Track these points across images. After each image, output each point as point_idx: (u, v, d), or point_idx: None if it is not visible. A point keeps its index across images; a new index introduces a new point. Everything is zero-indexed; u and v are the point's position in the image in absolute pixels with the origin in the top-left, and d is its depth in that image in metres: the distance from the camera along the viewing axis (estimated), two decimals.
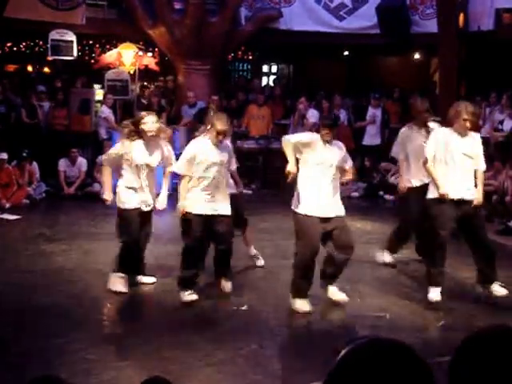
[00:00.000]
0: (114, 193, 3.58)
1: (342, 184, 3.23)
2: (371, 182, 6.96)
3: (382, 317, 3.27)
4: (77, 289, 3.64)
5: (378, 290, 3.73)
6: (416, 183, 3.90)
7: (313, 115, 7.33)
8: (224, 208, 3.31)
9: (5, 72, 8.34)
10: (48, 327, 3.04)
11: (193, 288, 3.35)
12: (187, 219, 3.29)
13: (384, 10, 7.62)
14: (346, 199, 3.67)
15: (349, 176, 3.23)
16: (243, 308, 3.35)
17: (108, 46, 8.43)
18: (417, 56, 9.06)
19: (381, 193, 6.87)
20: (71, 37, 7.51)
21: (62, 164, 6.53)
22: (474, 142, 3.29)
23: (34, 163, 6.43)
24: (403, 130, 4.08)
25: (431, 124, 4.03)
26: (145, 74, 8.29)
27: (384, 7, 7.63)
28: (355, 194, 6.68)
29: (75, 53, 7.61)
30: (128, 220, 3.46)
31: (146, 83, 8.35)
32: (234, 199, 3.56)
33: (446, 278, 3.82)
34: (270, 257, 4.36)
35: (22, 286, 3.67)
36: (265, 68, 10.08)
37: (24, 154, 6.31)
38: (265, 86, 9.13)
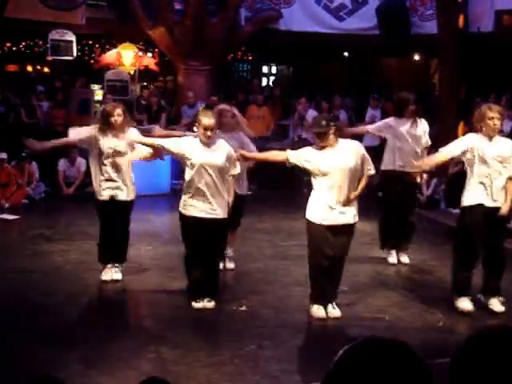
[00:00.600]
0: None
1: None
2: (371, 182, 6.95)
3: (380, 318, 3.27)
4: (75, 289, 3.63)
5: (376, 291, 3.72)
6: (391, 167, 4.04)
7: (312, 116, 7.33)
8: (220, 211, 3.21)
9: (4, 72, 8.34)
10: (46, 327, 3.03)
11: (201, 294, 3.28)
12: (184, 223, 3.24)
13: (384, 11, 7.63)
14: None
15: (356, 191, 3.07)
16: (242, 309, 3.35)
17: (108, 46, 8.44)
18: (416, 57, 9.07)
19: (380, 194, 6.86)
20: (71, 37, 7.51)
21: (62, 164, 6.52)
22: (504, 146, 3.19)
23: (34, 163, 6.42)
24: (391, 118, 4.13)
25: (422, 120, 4.07)
26: (144, 74, 8.29)
27: (384, 8, 7.64)
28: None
29: (75, 53, 7.61)
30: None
31: (145, 83, 8.35)
32: (240, 201, 3.53)
33: (444, 280, 3.83)
34: (270, 258, 4.35)
35: (20, 286, 3.66)
36: (265, 69, 10.09)
37: (23, 154, 6.31)
38: (264, 86, 9.14)
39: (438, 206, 6.11)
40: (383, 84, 8.56)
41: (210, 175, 3.16)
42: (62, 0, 7.28)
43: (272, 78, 9.97)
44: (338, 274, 3.21)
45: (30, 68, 8.83)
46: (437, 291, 3.73)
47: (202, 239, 3.19)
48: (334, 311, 3.20)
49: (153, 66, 8.17)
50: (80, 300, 3.50)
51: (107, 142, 3.55)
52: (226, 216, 3.25)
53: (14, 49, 8.49)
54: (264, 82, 9.63)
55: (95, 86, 8.02)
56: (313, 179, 3.10)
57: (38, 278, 3.81)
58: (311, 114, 7.36)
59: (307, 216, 3.12)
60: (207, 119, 3.14)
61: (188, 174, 3.20)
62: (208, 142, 3.18)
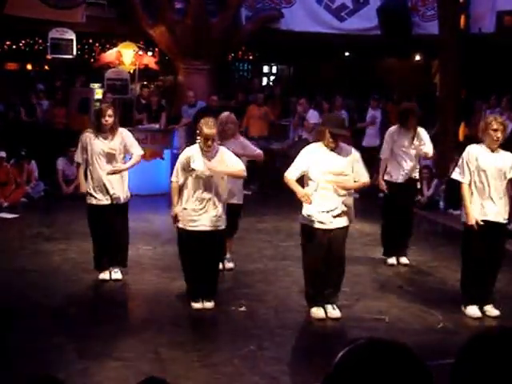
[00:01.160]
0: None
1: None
2: (372, 183, 6.94)
3: (380, 319, 3.25)
4: (74, 288, 3.62)
5: (376, 292, 3.71)
6: (398, 180, 4.08)
7: (313, 116, 7.32)
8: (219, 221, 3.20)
9: (4, 70, 8.32)
10: (44, 327, 3.02)
11: (199, 297, 3.27)
12: (181, 229, 3.22)
13: (385, 12, 7.61)
14: None
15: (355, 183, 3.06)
16: (242, 309, 3.33)
17: (108, 45, 8.42)
18: (417, 58, 9.06)
19: (380, 194, 6.86)
20: (71, 35, 7.49)
21: (61, 163, 6.50)
22: (505, 159, 3.17)
23: (33, 162, 6.40)
24: (392, 128, 4.13)
25: (421, 130, 4.07)
26: (145, 73, 8.27)
27: (385, 8, 7.62)
28: (355, 195, 6.67)
29: (75, 51, 7.59)
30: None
31: (145, 82, 8.33)
32: (236, 209, 3.52)
33: (444, 282, 3.82)
34: (269, 258, 4.34)
35: (18, 285, 3.64)
36: (265, 68, 10.07)
37: (22, 153, 6.28)
38: (265, 86, 9.12)
39: (439, 207, 6.10)
40: (384, 84, 8.55)
41: (208, 183, 3.14)
42: None
43: (272, 78, 9.96)
44: (338, 276, 3.20)
45: (29, 66, 8.80)
46: (437, 292, 3.72)
47: (200, 246, 3.18)
48: (334, 312, 3.19)
49: (153, 65, 8.16)
50: (79, 300, 3.49)
51: (99, 144, 3.56)
52: (223, 226, 3.25)
53: (14, 47, 8.47)
54: (264, 81, 9.61)
55: (95, 85, 8.00)
56: (309, 182, 3.08)
57: (36, 277, 3.79)
58: (311, 114, 7.35)
59: (302, 220, 3.11)
60: (208, 129, 3.11)
61: (186, 181, 3.17)
62: (208, 151, 3.15)
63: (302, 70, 9.60)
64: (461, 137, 6.71)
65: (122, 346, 2.84)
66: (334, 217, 3.06)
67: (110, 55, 8.07)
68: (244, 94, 8.03)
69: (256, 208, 5.75)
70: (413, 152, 4.07)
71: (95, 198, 3.59)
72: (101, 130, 3.54)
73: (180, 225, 3.20)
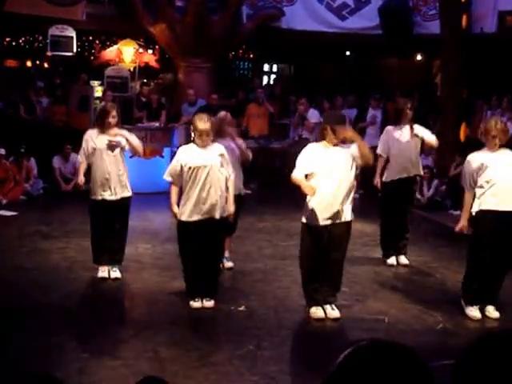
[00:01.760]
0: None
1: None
2: (371, 183, 6.94)
3: (380, 320, 3.24)
4: (73, 286, 3.61)
5: (376, 292, 3.70)
6: (393, 178, 4.07)
7: (313, 115, 7.30)
8: (218, 212, 3.19)
9: (4, 67, 8.28)
10: (42, 325, 3.01)
11: (199, 295, 3.27)
12: (180, 226, 3.21)
13: (386, 11, 7.59)
14: None
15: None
16: (241, 308, 3.32)
17: (108, 43, 8.39)
18: (419, 57, 9.04)
19: (380, 194, 6.84)
20: (71, 33, 7.46)
21: (56, 161, 6.47)
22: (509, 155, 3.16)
23: (32, 159, 6.37)
24: (388, 127, 4.10)
25: (416, 126, 4.03)
26: (145, 71, 8.24)
27: (386, 8, 7.60)
28: (355, 195, 6.65)
29: (75, 49, 7.56)
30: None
31: (145, 80, 8.30)
32: (236, 201, 3.50)
33: (444, 282, 3.81)
34: (269, 257, 4.33)
35: (17, 283, 3.63)
36: (265, 67, 10.05)
37: (22, 150, 6.26)
38: (265, 84, 9.10)
39: (439, 208, 6.09)
40: (385, 84, 8.53)
41: (205, 176, 3.13)
42: None
43: (273, 77, 9.94)
44: (338, 276, 3.18)
45: (29, 63, 8.77)
46: (437, 293, 3.71)
47: (200, 242, 3.16)
48: (334, 312, 3.18)
49: (153, 63, 8.13)
50: (78, 298, 3.48)
51: (103, 139, 3.59)
52: (224, 214, 3.23)
53: (14, 44, 8.44)
54: (265, 80, 9.59)
55: (95, 83, 7.98)
56: (311, 180, 3.07)
57: (35, 275, 3.78)
58: (312, 113, 7.33)
59: (304, 218, 3.09)
60: (202, 124, 3.11)
61: (185, 177, 3.16)
62: (204, 146, 3.15)
63: (302, 69, 9.58)
64: (462, 137, 6.70)
65: (120, 345, 2.83)
66: (337, 213, 3.05)
67: (110, 53, 8.04)
68: (244, 93, 8.01)
69: (256, 207, 5.73)
70: (412, 150, 4.03)
71: (98, 193, 3.61)
72: (104, 130, 3.57)
73: (182, 218, 3.17)
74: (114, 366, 2.59)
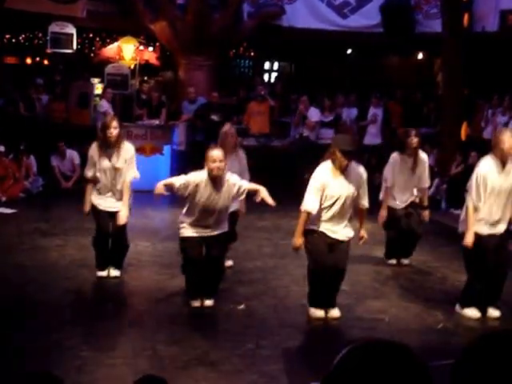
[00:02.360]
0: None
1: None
2: (373, 182, 6.92)
3: (380, 319, 3.23)
4: (72, 284, 3.60)
5: (376, 292, 3.69)
6: (397, 206, 4.06)
7: (314, 114, 7.28)
8: (221, 228, 3.21)
9: (3, 64, 8.26)
10: (41, 323, 3.00)
11: (198, 296, 3.27)
12: (182, 241, 3.20)
13: (388, 9, 7.57)
14: None
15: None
16: (240, 307, 3.31)
17: (108, 40, 8.37)
18: (420, 56, 9.01)
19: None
20: (71, 30, 7.44)
21: (54, 160, 6.45)
22: None
23: (32, 157, 6.35)
24: (394, 155, 4.07)
25: (422, 154, 4.02)
26: (145, 68, 8.22)
27: (388, 6, 7.58)
28: None
29: (75, 46, 7.53)
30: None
31: (145, 78, 8.28)
32: (234, 216, 3.52)
33: (444, 282, 3.80)
34: (269, 256, 4.32)
35: (16, 281, 3.62)
36: (266, 65, 10.03)
37: (21, 148, 6.24)
38: (266, 82, 9.08)
39: (440, 207, 6.07)
40: (386, 82, 8.51)
41: (214, 212, 3.14)
42: None
43: (274, 75, 9.91)
44: (339, 281, 3.20)
45: (29, 60, 8.74)
46: (437, 293, 3.70)
47: (204, 255, 3.18)
48: (334, 311, 3.17)
49: (153, 61, 8.10)
50: (76, 296, 3.47)
51: (105, 161, 3.58)
52: (226, 229, 3.25)
53: (14, 41, 8.41)
54: (266, 78, 9.56)
55: (95, 80, 7.95)
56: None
57: (34, 273, 3.76)
58: (313, 112, 7.31)
59: (310, 226, 3.07)
60: (215, 151, 3.11)
61: (191, 207, 3.14)
62: (217, 179, 3.09)
63: (303, 67, 9.55)
64: (463, 136, 6.68)
65: (120, 343, 2.82)
66: (340, 231, 3.10)
67: (110, 50, 8.01)
68: (245, 91, 7.99)
69: (255, 206, 5.71)
70: (409, 180, 4.01)
71: (99, 203, 3.61)
72: (107, 143, 3.54)
73: (184, 234, 3.17)
74: (113, 364, 2.58)
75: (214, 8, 7.60)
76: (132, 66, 7.90)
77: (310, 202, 3.02)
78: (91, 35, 8.44)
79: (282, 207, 5.75)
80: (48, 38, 7.45)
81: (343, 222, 3.09)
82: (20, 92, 7.16)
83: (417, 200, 4.11)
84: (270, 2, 8.04)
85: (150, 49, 8.27)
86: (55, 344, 2.74)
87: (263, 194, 3.23)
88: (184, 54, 7.72)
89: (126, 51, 7.87)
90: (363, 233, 3.21)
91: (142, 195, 4.74)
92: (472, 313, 3.26)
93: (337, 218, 3.06)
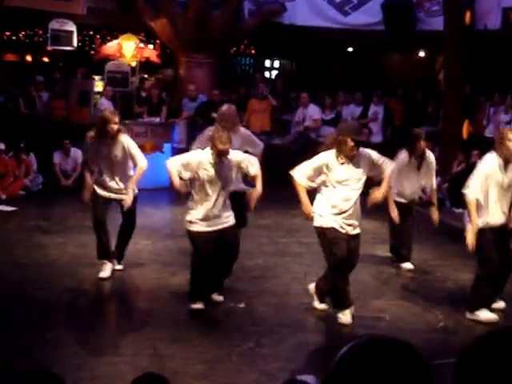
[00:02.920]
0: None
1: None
2: (372, 181, 6.91)
3: (381, 318, 3.23)
4: (72, 282, 3.59)
5: (377, 290, 3.68)
6: (400, 200, 4.05)
7: (314, 111, 7.26)
8: (230, 219, 3.20)
9: (3, 61, 8.24)
10: (41, 320, 2.99)
11: (200, 300, 3.23)
12: (193, 236, 3.17)
13: (389, 7, 7.54)
14: None
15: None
16: (241, 306, 3.31)
17: (109, 37, 8.34)
18: (422, 54, 8.98)
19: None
20: (71, 27, 7.41)
21: (57, 157, 6.43)
22: None
23: (32, 154, 6.34)
24: (403, 156, 4.05)
25: (430, 155, 4.04)
26: (145, 66, 8.19)
27: (390, 4, 7.55)
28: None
29: (75, 43, 7.51)
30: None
31: (146, 75, 8.25)
32: (242, 198, 3.49)
33: (446, 280, 3.79)
34: (269, 254, 4.31)
35: (16, 279, 3.62)
36: (267, 63, 10.00)
37: (21, 145, 6.23)
38: (267, 79, 9.05)
39: (441, 205, 6.05)
40: (387, 80, 8.48)
41: (218, 189, 3.12)
42: None
43: (275, 73, 9.88)
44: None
45: (29, 58, 8.72)
46: (438, 291, 3.69)
47: (218, 250, 3.15)
48: (345, 317, 3.09)
49: (154, 58, 8.07)
50: (76, 294, 3.46)
51: (103, 151, 3.60)
52: (234, 222, 3.23)
53: (14, 38, 8.38)
54: (266, 76, 9.53)
55: (95, 78, 7.93)
56: (325, 188, 3.02)
57: (33, 270, 3.76)
58: (313, 109, 7.28)
59: (321, 223, 3.01)
60: (222, 145, 3.07)
61: (196, 188, 3.13)
62: (222, 159, 3.10)
63: (304, 65, 9.52)
64: (464, 134, 6.65)
65: (119, 341, 2.82)
66: (350, 225, 3.05)
67: (110, 47, 7.98)
68: (246, 89, 7.97)
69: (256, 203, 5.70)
70: (419, 180, 4.01)
71: (99, 190, 3.66)
72: (104, 137, 3.56)
73: (194, 228, 3.14)
74: (113, 363, 2.58)
75: (215, 5, 7.57)
76: (133, 64, 7.87)
77: (300, 175, 3.00)
78: (91, 32, 8.41)
79: (282, 205, 5.78)
80: (48, 35, 7.42)
81: (354, 214, 3.01)
82: (20, 89, 7.14)
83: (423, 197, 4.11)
84: None
85: (151, 46, 8.24)
86: (55, 342, 2.74)
87: (253, 195, 3.24)
88: (184, 51, 7.69)
89: (127, 49, 7.84)
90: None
91: (142, 193, 4.72)
92: (488, 316, 3.18)
93: (348, 209, 2.98)
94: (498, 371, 0.69)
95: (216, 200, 3.11)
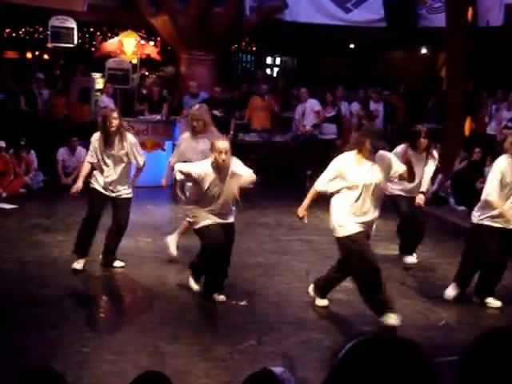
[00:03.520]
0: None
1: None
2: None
3: None
4: (72, 280, 3.59)
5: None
6: (402, 194, 4.04)
7: (315, 103, 7.23)
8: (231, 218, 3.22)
9: (4, 58, 8.21)
10: (42, 319, 2.98)
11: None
12: (202, 230, 3.18)
13: (391, 3, 7.50)
14: None
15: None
16: (242, 303, 3.30)
17: (109, 34, 8.31)
18: (424, 51, 8.94)
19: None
20: (72, 24, 7.38)
21: (61, 153, 6.41)
22: None
23: (32, 152, 6.32)
24: (402, 148, 3.99)
25: (435, 154, 4.03)
26: (146, 63, 8.17)
27: (391, 0, 7.50)
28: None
29: (75, 40, 7.48)
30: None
31: (146, 73, 8.23)
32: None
33: (447, 278, 3.78)
34: (271, 252, 4.30)
35: (16, 277, 3.61)
36: (269, 60, 9.96)
37: (22, 143, 6.21)
38: (269, 77, 9.02)
39: (443, 203, 6.03)
40: (389, 78, 8.44)
41: (221, 201, 3.14)
42: None
43: (276, 70, 9.84)
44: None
45: (29, 55, 8.69)
46: (440, 289, 3.67)
47: (225, 242, 3.16)
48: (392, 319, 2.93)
49: (155, 55, 8.04)
50: (77, 292, 3.45)
51: (106, 149, 3.68)
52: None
53: (14, 35, 8.36)
54: (268, 73, 9.50)
55: (96, 75, 7.91)
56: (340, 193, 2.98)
57: (34, 268, 3.75)
58: (314, 102, 7.25)
59: (342, 233, 2.95)
60: (221, 142, 3.11)
61: (199, 194, 3.14)
62: (222, 169, 3.09)
63: (306, 62, 9.49)
64: (467, 131, 6.62)
65: (120, 339, 2.81)
66: (371, 226, 3.02)
67: (111, 44, 7.95)
68: (247, 86, 7.94)
69: (257, 201, 5.69)
70: (420, 176, 3.96)
71: (98, 187, 3.73)
72: (107, 134, 3.64)
73: (202, 223, 3.14)
74: (113, 361, 2.57)
75: (216, 2, 7.53)
76: (133, 61, 7.85)
77: (319, 182, 2.99)
78: (92, 29, 8.38)
79: (283, 203, 5.76)
80: (48, 32, 7.40)
81: (374, 217, 2.99)
82: (21, 87, 7.12)
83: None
84: None
85: (151, 43, 8.21)
86: (56, 340, 2.73)
87: (245, 179, 3.22)
88: (185, 48, 7.66)
89: (127, 46, 7.81)
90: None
91: (142, 191, 4.73)
92: (494, 302, 3.31)
93: (368, 211, 2.95)
94: (501, 368, 0.68)
95: (217, 208, 3.14)
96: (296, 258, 4.12)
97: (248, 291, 3.48)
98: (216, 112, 6.69)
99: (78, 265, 3.68)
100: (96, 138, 3.70)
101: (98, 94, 7.46)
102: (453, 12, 6.60)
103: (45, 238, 4.43)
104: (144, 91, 7.50)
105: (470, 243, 3.43)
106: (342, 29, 7.96)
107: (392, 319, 2.92)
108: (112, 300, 3.41)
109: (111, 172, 3.65)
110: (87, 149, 6.82)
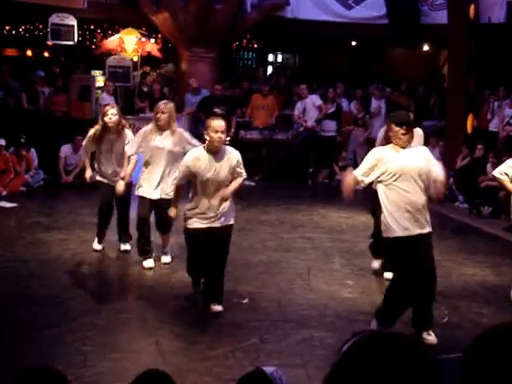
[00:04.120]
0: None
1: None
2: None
3: None
4: (73, 279, 3.58)
5: (382, 285, 3.64)
6: None
7: (315, 98, 7.21)
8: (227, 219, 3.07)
9: (4, 56, 8.18)
10: (43, 317, 2.98)
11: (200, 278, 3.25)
12: (188, 234, 3.11)
13: (393, 0, 7.46)
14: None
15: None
16: (244, 301, 3.29)
17: (110, 32, 8.27)
18: (426, 48, 8.90)
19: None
20: (72, 21, 7.35)
21: (64, 150, 6.38)
22: None
23: (32, 150, 6.30)
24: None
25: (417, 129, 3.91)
26: (147, 60, 8.13)
27: None
28: (360, 187, 6.58)
29: (76, 38, 7.45)
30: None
31: (147, 70, 8.19)
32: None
33: (449, 275, 3.76)
34: (272, 250, 4.28)
35: (17, 275, 3.60)
36: (270, 57, 9.92)
37: (22, 141, 6.19)
38: (270, 74, 8.98)
39: (444, 200, 6.01)
40: (391, 75, 8.41)
41: (214, 186, 3.02)
42: None
43: (277, 67, 9.80)
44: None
45: (29, 52, 8.66)
46: (442, 286, 3.64)
47: (209, 248, 3.04)
48: (430, 338, 2.77)
49: (156, 53, 8.01)
50: (78, 290, 3.44)
51: (107, 143, 3.82)
52: (232, 222, 3.10)
53: (14, 32, 8.32)
54: (269, 70, 9.47)
55: (96, 72, 7.88)
56: (383, 189, 2.75)
57: (35, 267, 3.75)
58: (314, 98, 7.22)
59: (389, 234, 2.71)
60: (217, 121, 3.02)
61: (196, 188, 3.04)
62: (217, 150, 2.99)
63: (307, 59, 9.45)
64: (469, 129, 6.60)
65: (122, 338, 2.80)
66: (417, 220, 2.72)
67: (111, 42, 7.92)
68: (248, 83, 7.91)
69: (259, 199, 5.68)
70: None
71: (102, 180, 3.94)
72: (107, 129, 3.76)
73: (191, 226, 3.06)
74: (115, 359, 2.56)
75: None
76: (134, 58, 7.82)
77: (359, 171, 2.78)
78: (92, 27, 8.34)
79: (285, 201, 5.75)
80: (48, 29, 7.37)
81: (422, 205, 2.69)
82: (22, 84, 7.10)
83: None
84: None
85: (152, 40, 8.17)
86: (57, 338, 2.72)
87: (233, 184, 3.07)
88: (186, 45, 7.63)
89: (128, 43, 7.78)
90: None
91: None
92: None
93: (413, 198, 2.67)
94: (504, 365, 0.67)
95: (213, 197, 3.07)
96: (298, 256, 4.11)
97: (250, 289, 3.46)
98: (217, 109, 6.67)
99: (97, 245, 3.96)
100: (95, 132, 3.81)
101: (99, 91, 7.44)
102: (455, 9, 6.58)
103: (45, 237, 4.42)
104: (145, 89, 7.48)
105: None
106: (343, 26, 7.92)
107: (431, 337, 2.75)
108: (113, 298, 3.40)
109: (109, 165, 3.86)
110: None
